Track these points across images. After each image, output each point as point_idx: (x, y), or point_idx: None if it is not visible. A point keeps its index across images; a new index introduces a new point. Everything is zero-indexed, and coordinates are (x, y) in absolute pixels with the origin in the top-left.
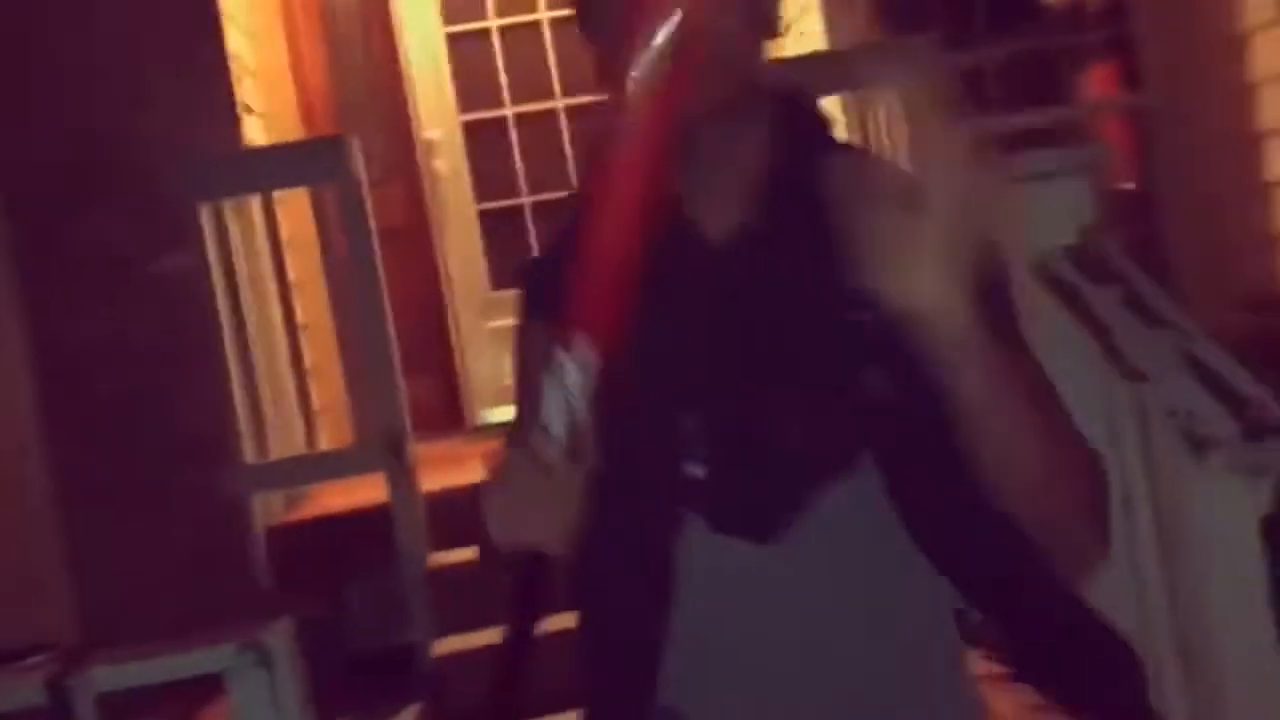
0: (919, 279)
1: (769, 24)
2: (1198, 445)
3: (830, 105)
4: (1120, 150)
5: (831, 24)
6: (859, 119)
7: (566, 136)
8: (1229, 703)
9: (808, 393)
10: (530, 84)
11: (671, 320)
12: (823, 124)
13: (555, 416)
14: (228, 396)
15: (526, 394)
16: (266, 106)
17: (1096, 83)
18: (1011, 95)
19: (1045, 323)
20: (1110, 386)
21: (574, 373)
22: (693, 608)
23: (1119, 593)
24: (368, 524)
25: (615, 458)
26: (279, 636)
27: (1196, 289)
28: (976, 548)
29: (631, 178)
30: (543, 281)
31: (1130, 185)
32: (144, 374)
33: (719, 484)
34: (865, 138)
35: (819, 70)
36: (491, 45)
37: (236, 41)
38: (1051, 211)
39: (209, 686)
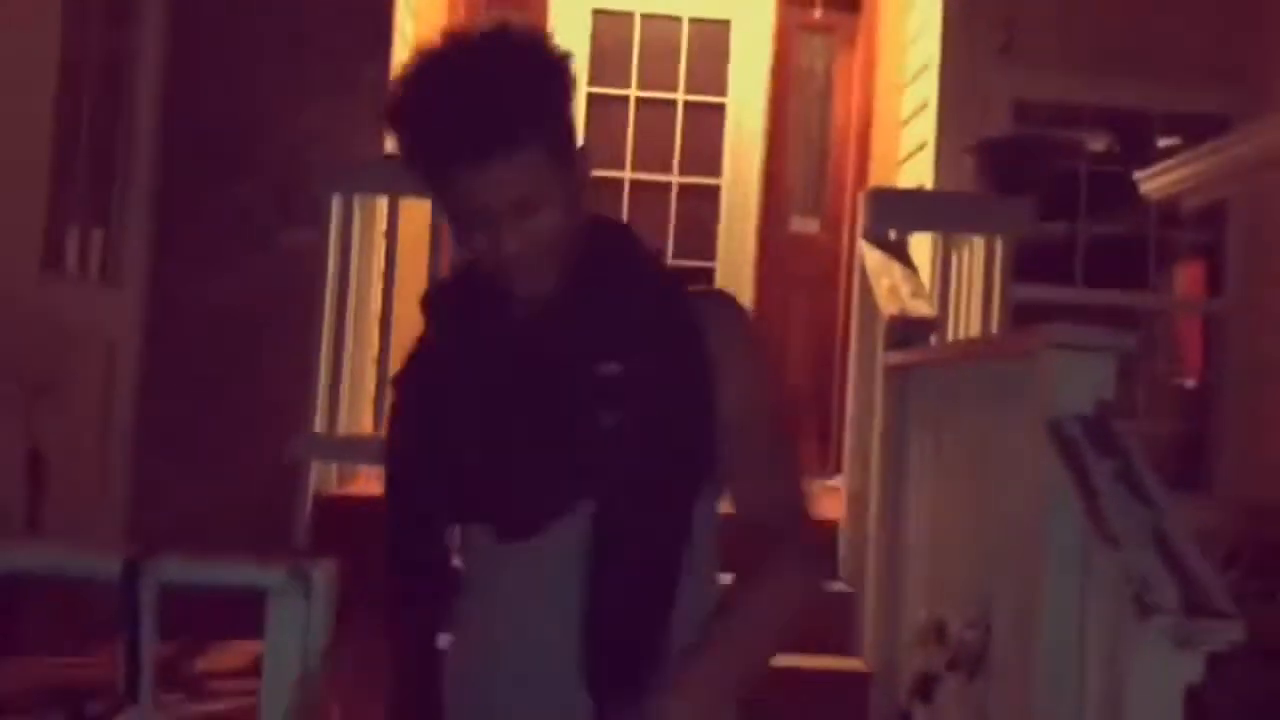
0: None
1: (582, 186)
2: (1142, 610)
3: (921, 241)
4: (1189, 348)
5: (940, 168)
6: (944, 257)
7: (674, 210)
8: None
9: (555, 433)
10: (654, 157)
11: (477, 370)
12: (622, 242)
13: None
14: (313, 369)
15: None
16: None
17: (1182, 280)
18: (1098, 274)
19: (1048, 478)
20: (1090, 548)
21: None
22: (473, 576)
23: (1063, 712)
24: None
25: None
26: (324, 573)
27: (1231, 491)
28: (617, 600)
29: None
30: (440, 301)
31: (1191, 382)
32: (245, 334)
33: (494, 499)
34: (946, 276)
35: (918, 207)
36: (627, 113)
37: (400, 54)
38: (1075, 381)
39: (203, 634)
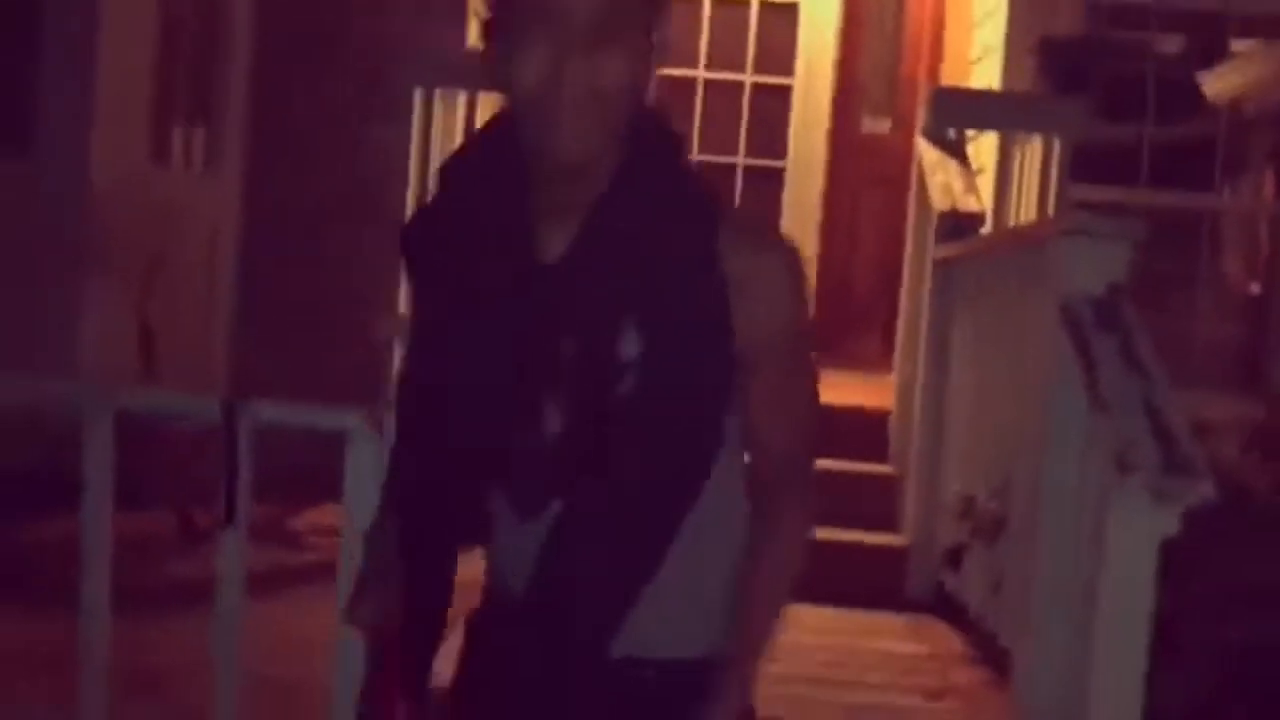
0: None
1: (649, 68)
2: (1123, 468)
3: (990, 140)
4: (1255, 254)
5: (1009, 68)
6: (1003, 155)
7: (747, 109)
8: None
9: (572, 398)
10: (728, 56)
11: (494, 326)
12: (677, 174)
13: None
14: (395, 255)
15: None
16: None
17: (1251, 184)
18: (1165, 176)
19: (1058, 354)
20: (1089, 413)
21: None
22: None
23: (1060, 574)
24: None
25: (441, 439)
26: (395, 420)
27: None
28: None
29: None
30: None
31: (1255, 288)
32: (334, 221)
33: (507, 471)
34: (1005, 174)
35: (975, 106)
36: (702, 12)
37: None
38: (1087, 265)
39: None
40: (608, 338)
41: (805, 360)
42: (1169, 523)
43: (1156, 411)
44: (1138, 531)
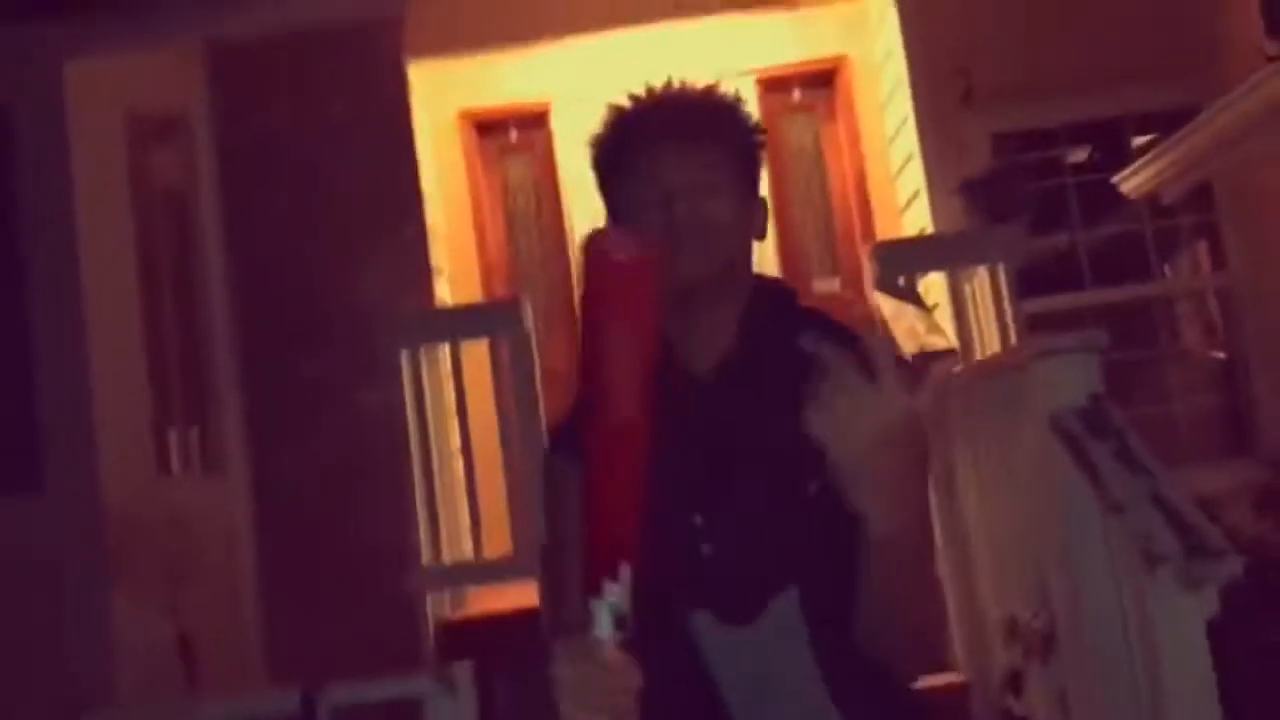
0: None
1: (753, 227)
2: (1150, 561)
3: (933, 281)
4: (1211, 324)
5: (936, 210)
6: (954, 291)
7: None
8: None
9: (772, 498)
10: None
11: (673, 441)
12: (792, 300)
13: (605, 625)
14: (411, 510)
15: (554, 516)
16: (453, 268)
17: (1188, 262)
18: (1105, 274)
19: (1056, 465)
20: (1103, 516)
21: (618, 590)
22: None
23: (1119, 675)
24: (523, 624)
25: (647, 552)
26: (463, 671)
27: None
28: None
29: (624, 439)
30: (566, 437)
31: (1221, 355)
32: (342, 488)
33: (720, 569)
34: (960, 307)
35: (917, 252)
36: None
37: (433, 214)
38: (1065, 381)
39: None
40: (797, 431)
41: (925, 443)
42: (1208, 605)
43: (1165, 502)
44: (1180, 619)
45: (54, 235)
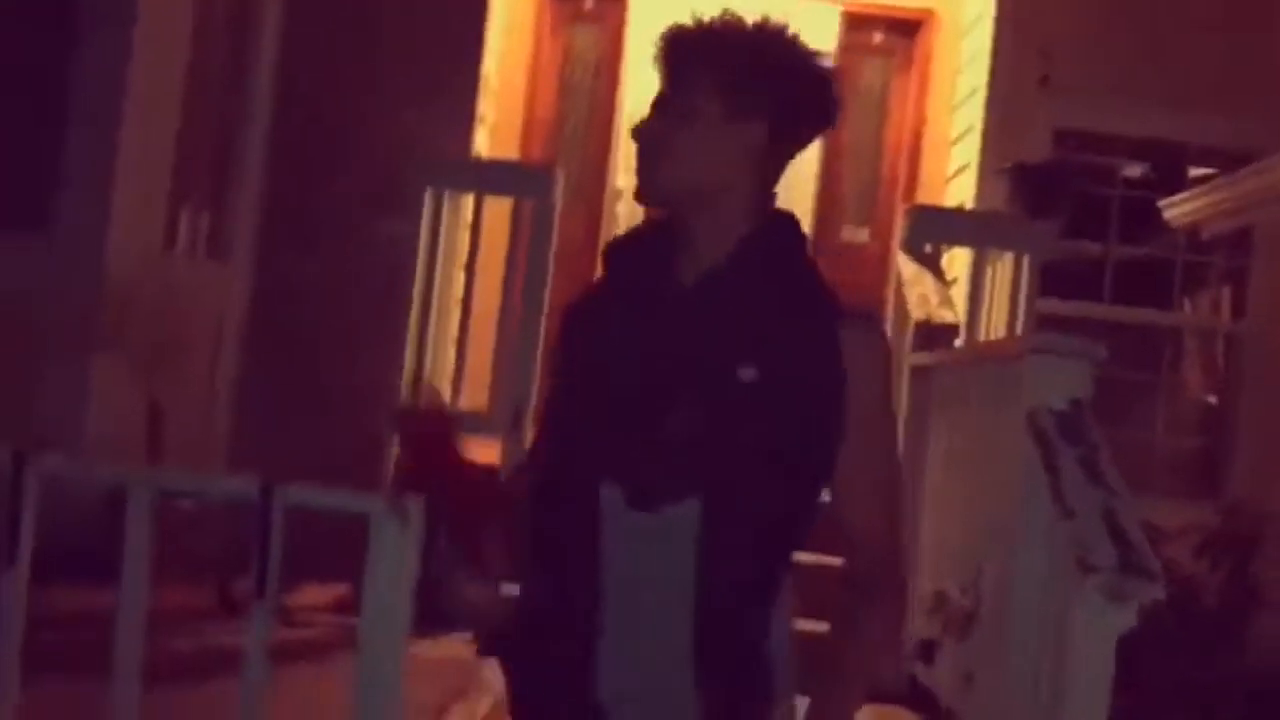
0: None
1: (751, 162)
2: (1083, 569)
3: (959, 256)
4: (1214, 367)
5: (981, 188)
6: (976, 270)
7: None
8: None
9: (708, 417)
10: None
11: (637, 331)
12: (799, 245)
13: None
14: (400, 347)
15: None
16: (496, 120)
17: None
18: (1127, 293)
19: (1026, 462)
20: (1053, 518)
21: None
22: (608, 551)
23: (1028, 667)
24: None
25: (570, 434)
26: (417, 507)
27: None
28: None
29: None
30: (615, 254)
31: (1213, 400)
32: (338, 308)
33: (642, 451)
34: (978, 288)
35: (951, 224)
36: None
37: (488, 64)
38: (1053, 381)
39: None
40: (730, 360)
41: (892, 442)
42: (1125, 620)
43: (1114, 517)
44: (1097, 628)
45: None
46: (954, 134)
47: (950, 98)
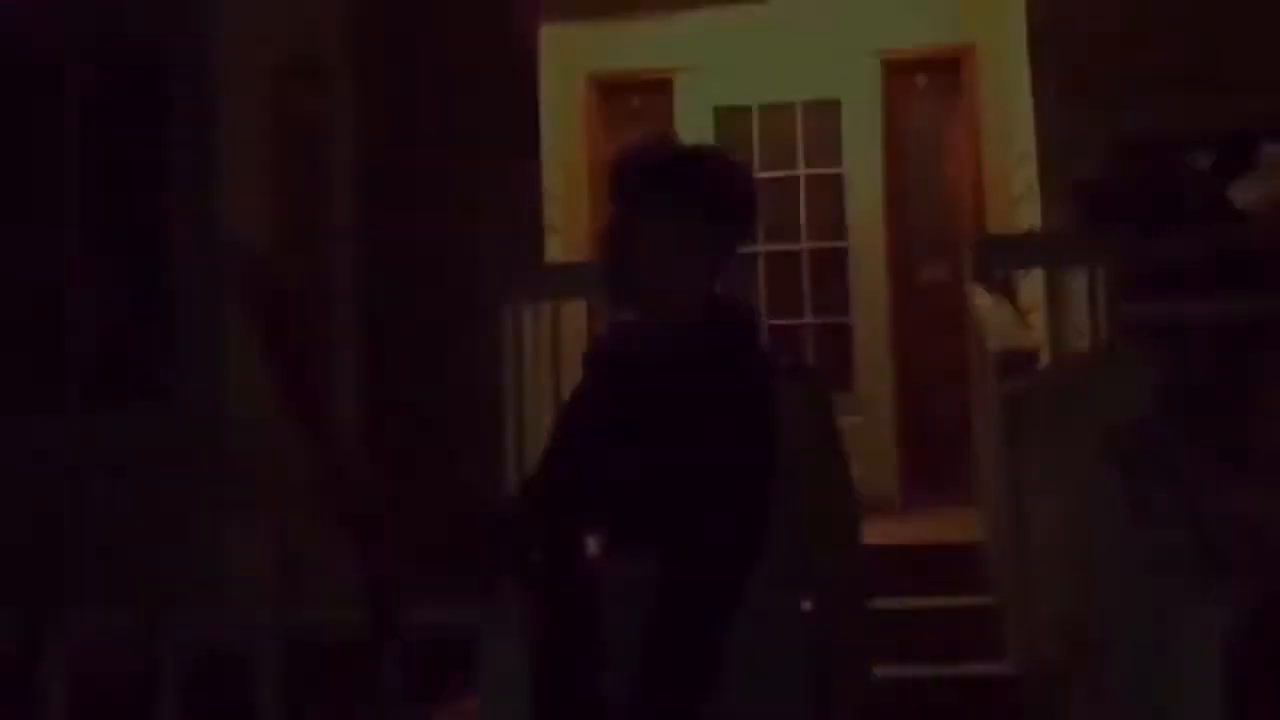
0: None
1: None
2: (1171, 573)
3: (1034, 278)
4: None
5: (1047, 208)
6: (1050, 289)
7: (806, 273)
8: None
9: (670, 476)
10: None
11: (614, 402)
12: (750, 326)
13: None
14: (501, 451)
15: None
16: (563, 223)
17: None
18: (1221, 285)
19: (1107, 476)
20: (1134, 526)
21: None
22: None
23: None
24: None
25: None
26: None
27: None
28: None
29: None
30: (594, 358)
31: None
32: (441, 427)
33: (618, 513)
34: (1055, 306)
35: (1018, 250)
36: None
37: (550, 175)
38: (1125, 390)
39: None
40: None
41: (840, 474)
42: (1220, 619)
43: (1197, 520)
44: (1195, 632)
45: (195, 157)
46: (1012, 160)
47: (1004, 124)
